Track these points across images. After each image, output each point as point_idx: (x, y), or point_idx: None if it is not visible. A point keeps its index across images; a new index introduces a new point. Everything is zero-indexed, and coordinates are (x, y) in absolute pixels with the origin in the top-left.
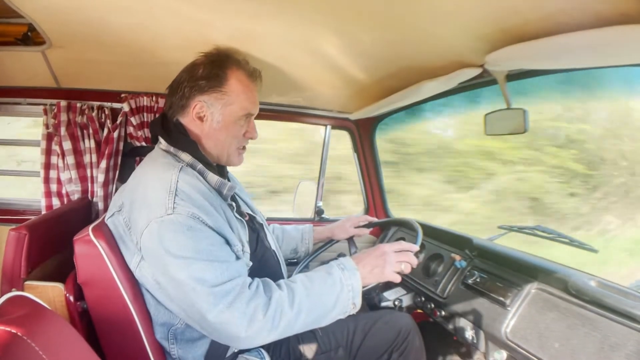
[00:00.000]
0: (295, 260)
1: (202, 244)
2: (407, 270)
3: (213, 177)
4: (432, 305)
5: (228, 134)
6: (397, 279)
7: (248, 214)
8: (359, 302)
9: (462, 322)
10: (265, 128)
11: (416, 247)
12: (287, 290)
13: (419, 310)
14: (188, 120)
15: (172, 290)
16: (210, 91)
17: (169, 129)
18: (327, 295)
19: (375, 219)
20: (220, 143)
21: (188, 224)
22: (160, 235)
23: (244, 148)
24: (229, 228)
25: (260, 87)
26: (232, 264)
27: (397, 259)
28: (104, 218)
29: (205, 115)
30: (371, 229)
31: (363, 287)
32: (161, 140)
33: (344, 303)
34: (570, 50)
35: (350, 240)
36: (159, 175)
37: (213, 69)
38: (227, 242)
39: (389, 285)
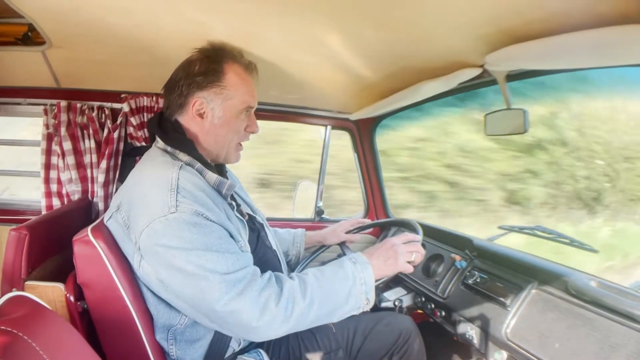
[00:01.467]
0: (287, 262)
1: (210, 237)
2: (417, 260)
3: (212, 176)
4: (432, 306)
5: (229, 129)
6: (410, 269)
7: (248, 213)
8: (372, 297)
9: (463, 323)
10: None
11: (420, 237)
12: (298, 281)
13: (419, 311)
14: (187, 118)
15: (178, 284)
16: (209, 86)
17: (166, 128)
18: (339, 288)
19: (367, 221)
20: (221, 139)
21: (193, 221)
22: (164, 234)
23: (241, 145)
24: (231, 225)
25: (256, 80)
26: (241, 254)
27: (407, 249)
28: (103, 219)
29: (205, 112)
30: (369, 230)
31: (377, 279)
32: (158, 139)
33: (356, 297)
34: (570, 50)
35: (343, 244)
36: (158, 174)
37: (209, 63)
38: (232, 237)
39: (389, 286)
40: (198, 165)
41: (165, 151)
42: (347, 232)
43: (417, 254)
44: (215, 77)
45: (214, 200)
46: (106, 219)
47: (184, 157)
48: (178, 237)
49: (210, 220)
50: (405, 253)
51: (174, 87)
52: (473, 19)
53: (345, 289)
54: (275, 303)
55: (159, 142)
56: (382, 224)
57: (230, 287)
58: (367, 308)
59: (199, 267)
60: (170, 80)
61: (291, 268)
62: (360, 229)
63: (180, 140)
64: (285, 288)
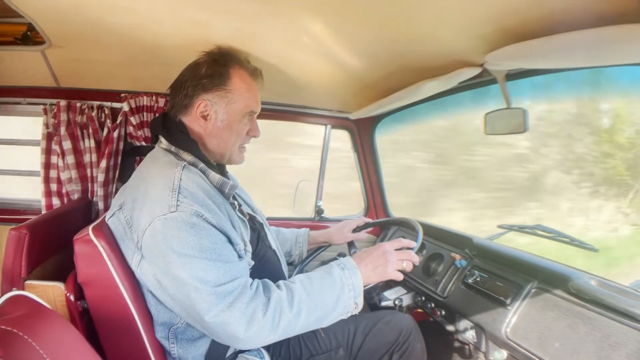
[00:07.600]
0: (290, 262)
1: (205, 242)
2: (408, 268)
3: (215, 176)
4: (432, 305)
5: (232, 132)
6: (400, 277)
7: (248, 213)
8: (360, 301)
9: (463, 322)
10: None
11: (415, 244)
12: (286, 290)
13: (419, 310)
14: (191, 119)
15: (173, 289)
16: (214, 89)
17: (170, 128)
18: (327, 295)
19: (371, 220)
20: (224, 141)
21: (191, 221)
22: (163, 233)
23: (244, 147)
24: (231, 227)
25: (261, 86)
26: (234, 263)
27: (398, 257)
28: (104, 218)
29: (209, 114)
30: (370, 229)
31: (365, 286)
32: (162, 139)
33: (345, 303)
34: (570, 50)
35: (351, 244)
36: (161, 174)
37: (216, 67)
38: (230, 242)
39: (389, 285)
40: (201, 165)
41: (169, 151)
42: (354, 231)
43: (409, 262)
44: (221, 81)
45: (215, 201)
46: (108, 217)
47: (188, 156)
48: (175, 238)
49: (209, 223)
50: (395, 261)
51: (180, 88)
52: (473, 18)
53: (334, 296)
54: (263, 314)
55: (163, 142)
56: (387, 223)
57: (220, 299)
58: (356, 312)
59: (191, 276)
60: (177, 81)
61: (294, 267)
62: (365, 225)
63: (184, 140)
64: (272, 298)
